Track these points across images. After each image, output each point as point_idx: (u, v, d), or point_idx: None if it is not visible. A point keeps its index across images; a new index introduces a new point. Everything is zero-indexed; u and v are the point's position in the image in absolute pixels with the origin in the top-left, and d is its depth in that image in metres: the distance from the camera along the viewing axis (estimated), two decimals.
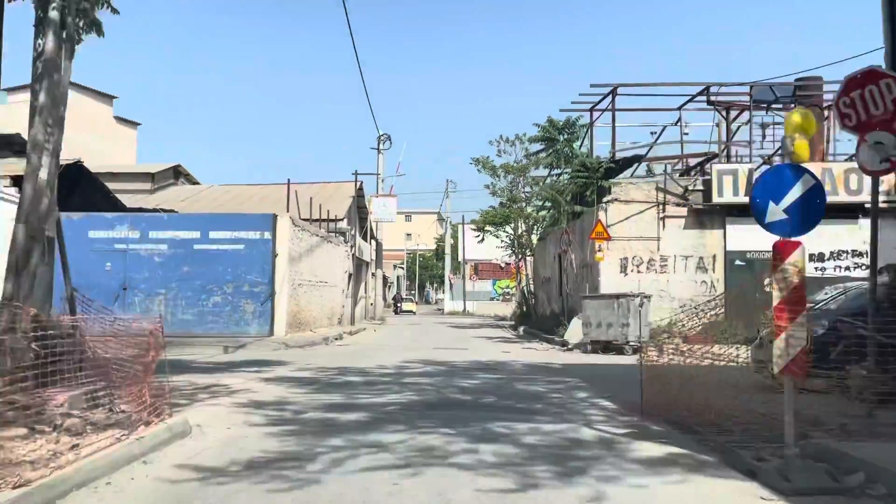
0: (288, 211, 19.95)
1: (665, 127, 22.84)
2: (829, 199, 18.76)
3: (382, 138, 37.23)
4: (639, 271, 18.98)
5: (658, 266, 18.96)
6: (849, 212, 18.14)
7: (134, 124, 43.63)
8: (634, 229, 19.06)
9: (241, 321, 18.99)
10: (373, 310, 36.75)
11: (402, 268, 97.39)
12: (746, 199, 18.31)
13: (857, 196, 17.86)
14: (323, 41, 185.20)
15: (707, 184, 18.95)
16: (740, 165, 18.72)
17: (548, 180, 21.69)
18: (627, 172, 21.18)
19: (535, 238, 33.03)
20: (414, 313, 57.38)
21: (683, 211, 19.02)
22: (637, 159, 19.11)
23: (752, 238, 18.70)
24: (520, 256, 32.24)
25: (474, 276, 60.80)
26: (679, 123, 21.64)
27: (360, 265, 33.42)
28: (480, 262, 62.32)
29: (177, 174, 35.72)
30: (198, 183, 36.58)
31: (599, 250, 18.32)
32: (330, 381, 10.23)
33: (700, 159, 19.82)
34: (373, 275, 37.41)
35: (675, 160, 19.92)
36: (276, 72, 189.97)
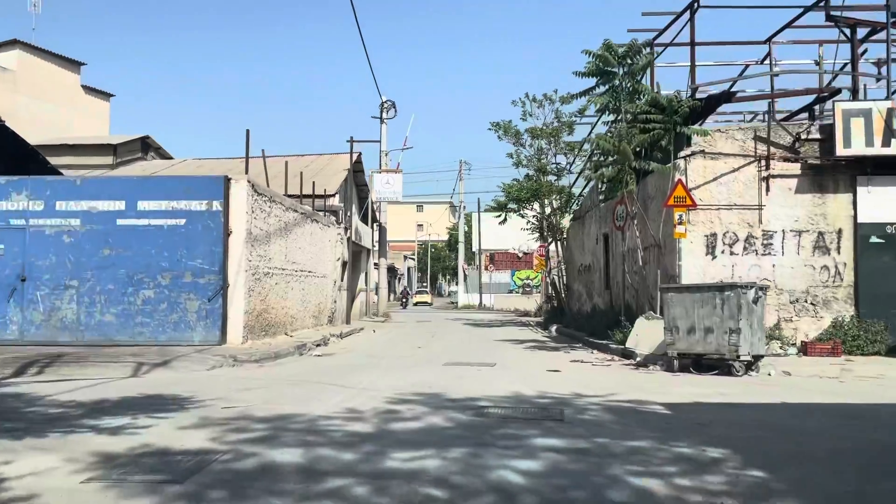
0: (247, 173, 14.73)
1: (747, 66, 17.44)
2: None
3: (386, 105, 32.00)
4: (732, 252, 13.62)
5: (759, 245, 13.59)
6: None
7: (106, 95, 38.55)
8: (725, 194, 13.70)
9: (182, 323, 13.83)
10: (375, 305, 31.56)
11: (413, 259, 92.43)
12: (886, 151, 12.96)
13: None
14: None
15: (827, 130, 13.56)
16: (875, 103, 13.30)
17: (599, 128, 16.35)
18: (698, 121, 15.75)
19: (566, 220, 27.68)
20: (430, 304, 59.45)
21: (795, 168, 13.63)
22: (727, 97, 13.78)
23: (894, 204, 13.34)
24: (549, 240, 26.87)
25: (490, 266, 55.44)
26: (768, 61, 16.19)
27: (358, 252, 28.23)
28: (496, 251, 56.95)
29: (145, 147, 30.67)
30: (170, 157, 31.55)
31: (680, 223, 12.98)
32: (233, 462, 4.99)
33: (814, 95, 14.38)
34: (375, 265, 32.22)
35: (776, 98, 14.44)
36: (268, 38, 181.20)
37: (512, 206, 25.16)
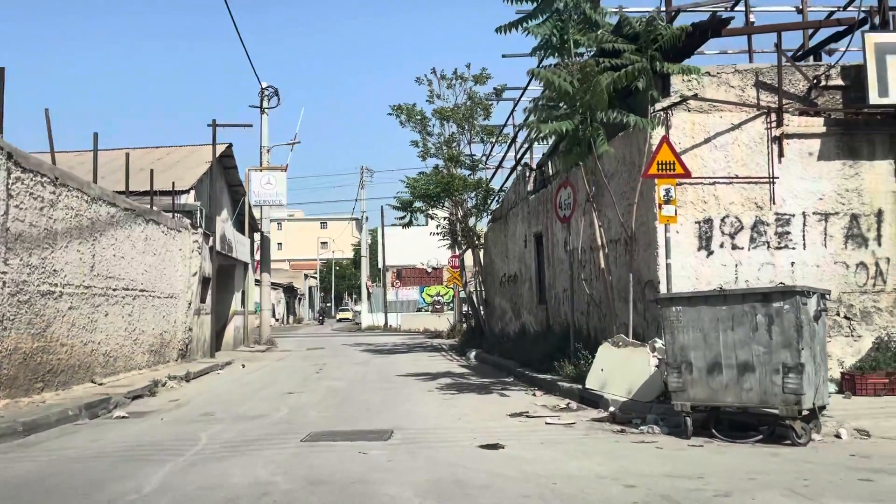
0: (0, 133, 9.40)
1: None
2: None
3: (267, 93, 26.85)
4: (735, 246, 9.44)
5: (772, 235, 9.48)
6: None
7: None
8: (723, 162, 9.55)
9: None
10: (258, 331, 26.12)
11: (315, 277, 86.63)
12: None
13: None
14: None
15: (852, 73, 9.66)
16: None
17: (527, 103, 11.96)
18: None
19: (481, 225, 23.39)
20: (352, 320, 60.72)
21: (816, 124, 9.64)
22: (718, 26, 9.71)
23: None
24: (464, 247, 22.44)
25: (397, 282, 50.66)
26: None
27: (230, 267, 22.85)
28: (404, 267, 52.30)
29: None
30: None
31: (667, 201, 8.67)
32: None
33: (838, 27, 10.47)
34: (257, 281, 26.83)
35: (785, 30, 10.44)
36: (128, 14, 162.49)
37: (418, 204, 20.51)
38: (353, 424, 8.00)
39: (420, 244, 40.38)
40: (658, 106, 9.49)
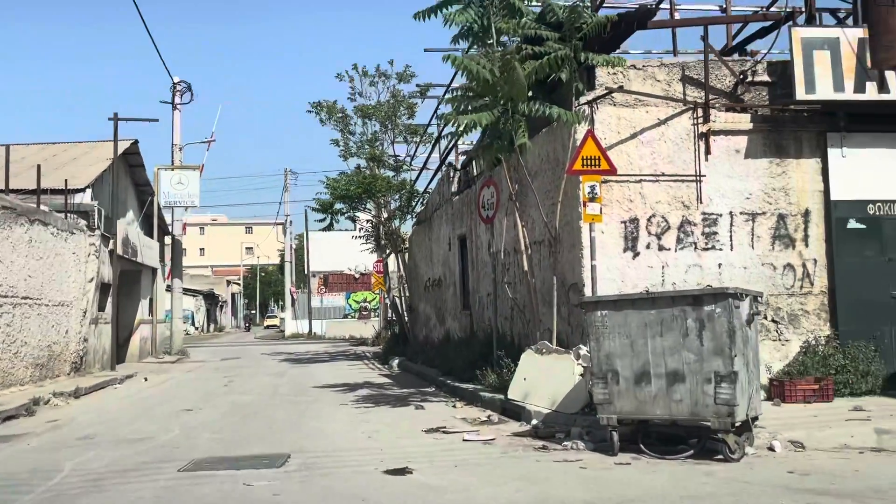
0: None
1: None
2: None
3: (179, 88, 25.40)
4: (662, 247, 8.98)
5: (699, 235, 9.07)
6: None
7: None
8: (649, 159, 9.08)
9: None
10: (168, 341, 24.56)
11: (239, 284, 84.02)
12: (861, 96, 9.04)
13: None
14: None
15: (778, 69, 9.39)
16: (843, 30, 9.32)
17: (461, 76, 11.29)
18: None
19: (405, 229, 22.66)
20: (278, 327, 58.52)
21: (743, 120, 9.30)
22: (646, 17, 9.28)
23: (882, 173, 9.41)
24: (388, 251, 21.64)
25: (323, 288, 49.31)
26: None
27: (136, 272, 21.31)
28: (332, 273, 51.00)
29: None
30: None
31: (592, 199, 8.12)
32: None
33: (764, 23, 10.19)
34: (168, 288, 25.26)
35: (712, 24, 10.11)
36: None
37: (339, 206, 19.59)
38: (248, 448, 7.10)
39: (348, 249, 39.28)
40: (583, 99, 8.98)
